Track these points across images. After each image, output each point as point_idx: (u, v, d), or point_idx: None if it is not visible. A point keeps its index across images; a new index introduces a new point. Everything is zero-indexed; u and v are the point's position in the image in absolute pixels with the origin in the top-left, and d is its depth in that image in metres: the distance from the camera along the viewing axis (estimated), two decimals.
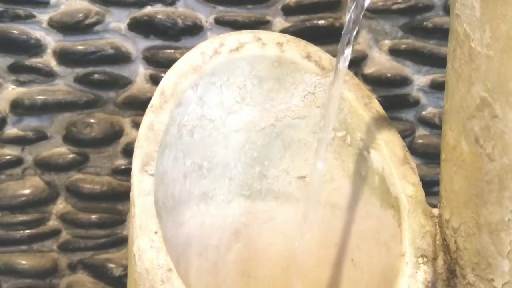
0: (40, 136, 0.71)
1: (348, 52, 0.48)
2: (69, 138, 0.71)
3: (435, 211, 0.48)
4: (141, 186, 0.44)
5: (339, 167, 0.54)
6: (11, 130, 0.71)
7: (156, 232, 0.42)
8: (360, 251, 0.52)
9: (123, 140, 0.72)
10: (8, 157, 0.71)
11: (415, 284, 0.43)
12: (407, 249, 0.45)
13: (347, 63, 0.49)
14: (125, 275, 0.75)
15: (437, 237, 0.46)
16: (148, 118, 0.47)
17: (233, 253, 0.54)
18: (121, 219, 0.74)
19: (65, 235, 0.74)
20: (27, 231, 0.73)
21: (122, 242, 0.75)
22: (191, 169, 0.51)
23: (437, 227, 0.46)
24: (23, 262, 0.73)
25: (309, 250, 0.55)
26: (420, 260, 0.45)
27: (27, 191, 0.72)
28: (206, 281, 0.52)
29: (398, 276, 0.44)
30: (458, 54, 0.41)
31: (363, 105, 0.52)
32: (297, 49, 0.52)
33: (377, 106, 0.52)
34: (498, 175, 0.39)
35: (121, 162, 0.73)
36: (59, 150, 0.72)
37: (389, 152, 0.50)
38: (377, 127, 0.51)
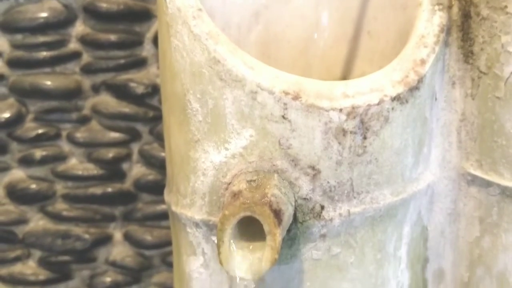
0: None
1: None
2: None
3: None
4: None
5: None
6: None
7: None
8: (376, 21, 0.54)
9: None
10: None
11: (431, 27, 0.46)
12: None
13: None
14: (147, 94, 0.78)
15: None
16: None
17: (254, 34, 0.57)
18: (139, 40, 0.76)
19: (86, 58, 0.76)
20: (49, 53, 0.75)
21: (142, 63, 0.77)
22: None
23: None
24: (48, 82, 0.76)
25: (326, 30, 0.57)
26: (436, 7, 0.47)
27: (45, 14, 0.74)
28: None
29: (415, 23, 0.46)
30: None
31: None
32: None
33: None
34: None
35: None
36: None
37: None
38: None
